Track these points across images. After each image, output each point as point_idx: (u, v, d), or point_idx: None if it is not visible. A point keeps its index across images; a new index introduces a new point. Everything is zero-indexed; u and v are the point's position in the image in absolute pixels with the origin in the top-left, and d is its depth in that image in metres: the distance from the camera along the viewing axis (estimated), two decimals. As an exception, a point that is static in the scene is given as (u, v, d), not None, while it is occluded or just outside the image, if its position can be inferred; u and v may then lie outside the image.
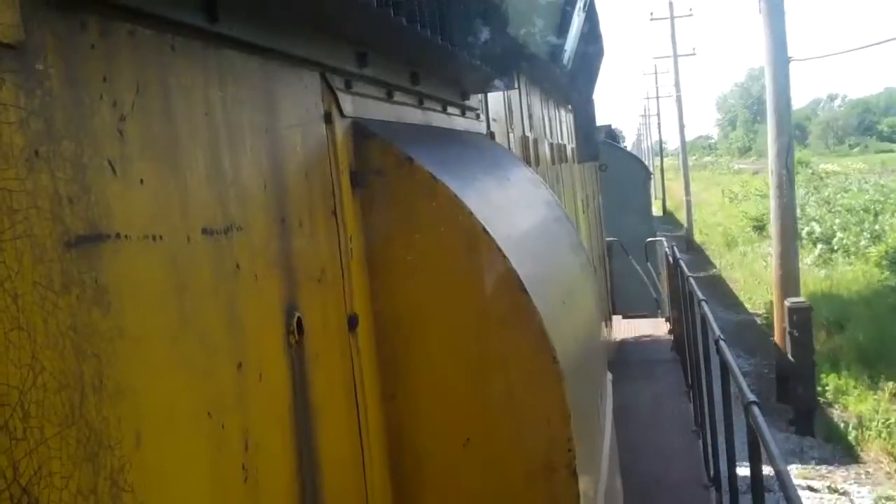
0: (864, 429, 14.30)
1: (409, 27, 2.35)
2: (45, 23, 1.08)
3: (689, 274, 9.88)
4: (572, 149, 10.09)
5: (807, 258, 26.00)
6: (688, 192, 43.72)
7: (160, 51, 1.37)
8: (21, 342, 0.96)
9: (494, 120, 4.62)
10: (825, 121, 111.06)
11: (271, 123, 1.81)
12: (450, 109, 3.51)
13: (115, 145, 1.20)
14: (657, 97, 75.52)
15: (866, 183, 43.63)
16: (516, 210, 3.12)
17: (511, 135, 5.35)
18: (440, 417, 2.29)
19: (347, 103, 2.25)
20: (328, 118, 2.12)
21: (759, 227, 35.89)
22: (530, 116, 6.51)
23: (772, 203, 16.16)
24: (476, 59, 3.24)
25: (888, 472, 12.97)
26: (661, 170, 68.39)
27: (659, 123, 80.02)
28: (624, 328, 14.02)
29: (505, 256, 2.24)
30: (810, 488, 12.23)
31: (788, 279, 15.76)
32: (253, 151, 1.69)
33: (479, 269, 2.27)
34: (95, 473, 1.07)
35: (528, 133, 6.18)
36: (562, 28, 7.03)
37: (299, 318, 1.79)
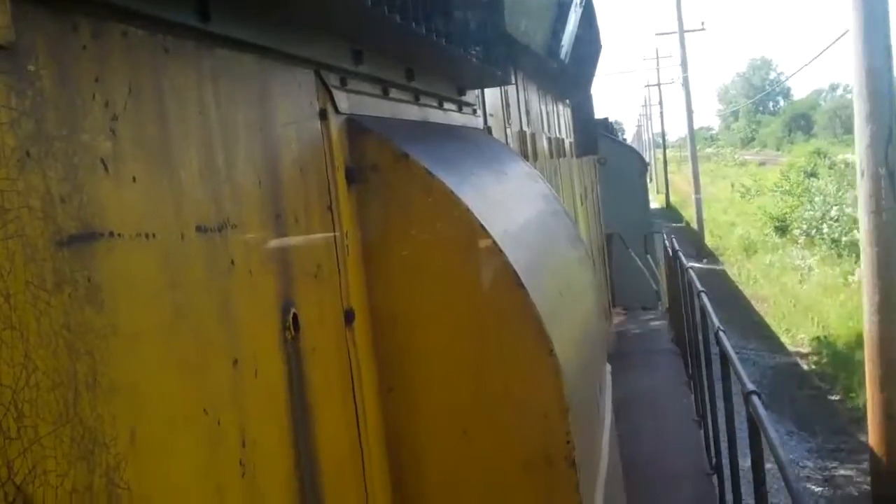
0: None
1: (404, 24, 2.35)
2: (36, 24, 1.08)
3: (687, 265, 9.93)
4: (570, 143, 10.09)
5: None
6: (697, 189, 38.07)
7: (153, 51, 1.38)
8: (14, 341, 0.97)
9: (491, 115, 4.62)
10: (831, 109, 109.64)
11: (266, 121, 1.81)
12: (446, 105, 3.51)
13: (107, 144, 1.20)
14: (658, 84, 72.61)
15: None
16: (513, 205, 3.13)
17: (508, 130, 5.34)
18: (438, 410, 2.30)
19: (343, 100, 2.26)
20: (323, 115, 2.13)
21: (782, 229, 31.44)
22: (528, 111, 6.51)
23: (862, 219, 9.82)
24: (472, 55, 3.24)
25: None
26: (665, 162, 65.35)
27: (661, 112, 76.98)
28: (623, 320, 14.04)
29: (501, 251, 2.25)
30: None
31: (893, 344, 9.47)
32: (247, 149, 1.69)
33: (475, 264, 2.28)
34: (91, 471, 1.07)
35: (525, 128, 6.17)
36: (559, 22, 7.04)
37: (295, 314, 1.80)
